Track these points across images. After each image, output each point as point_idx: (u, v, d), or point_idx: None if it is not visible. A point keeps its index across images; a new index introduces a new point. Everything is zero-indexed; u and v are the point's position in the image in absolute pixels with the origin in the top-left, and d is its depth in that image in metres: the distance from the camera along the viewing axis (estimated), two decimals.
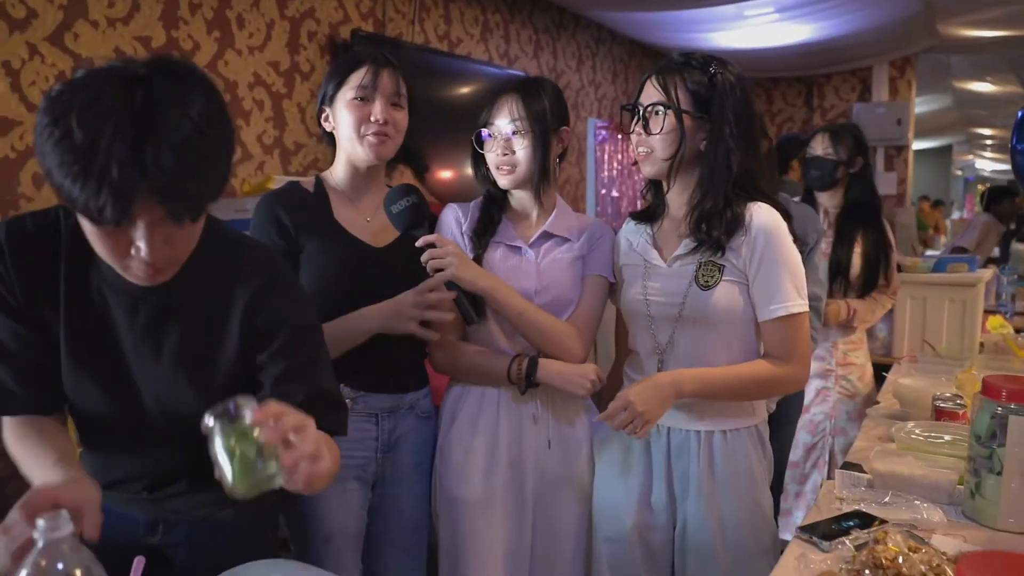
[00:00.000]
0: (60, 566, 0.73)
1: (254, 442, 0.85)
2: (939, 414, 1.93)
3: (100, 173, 0.84)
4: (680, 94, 1.46)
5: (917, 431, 1.78)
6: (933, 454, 1.66)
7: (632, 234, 1.64)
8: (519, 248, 1.63)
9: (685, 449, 1.53)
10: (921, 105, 7.98)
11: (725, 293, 1.48)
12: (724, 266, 1.49)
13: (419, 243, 1.50)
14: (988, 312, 3.41)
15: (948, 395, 1.99)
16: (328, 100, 1.58)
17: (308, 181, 1.63)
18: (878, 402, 2.30)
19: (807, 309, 1.52)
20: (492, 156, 1.58)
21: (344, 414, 1.22)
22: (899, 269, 3.21)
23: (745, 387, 1.51)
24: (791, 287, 1.48)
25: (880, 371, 2.78)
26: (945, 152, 14.04)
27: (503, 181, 1.59)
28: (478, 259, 1.60)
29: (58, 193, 0.88)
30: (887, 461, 1.60)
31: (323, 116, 1.61)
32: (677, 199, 1.56)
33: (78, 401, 1.16)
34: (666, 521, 1.57)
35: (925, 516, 1.41)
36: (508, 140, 1.56)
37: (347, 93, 1.54)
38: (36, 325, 1.09)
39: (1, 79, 2.21)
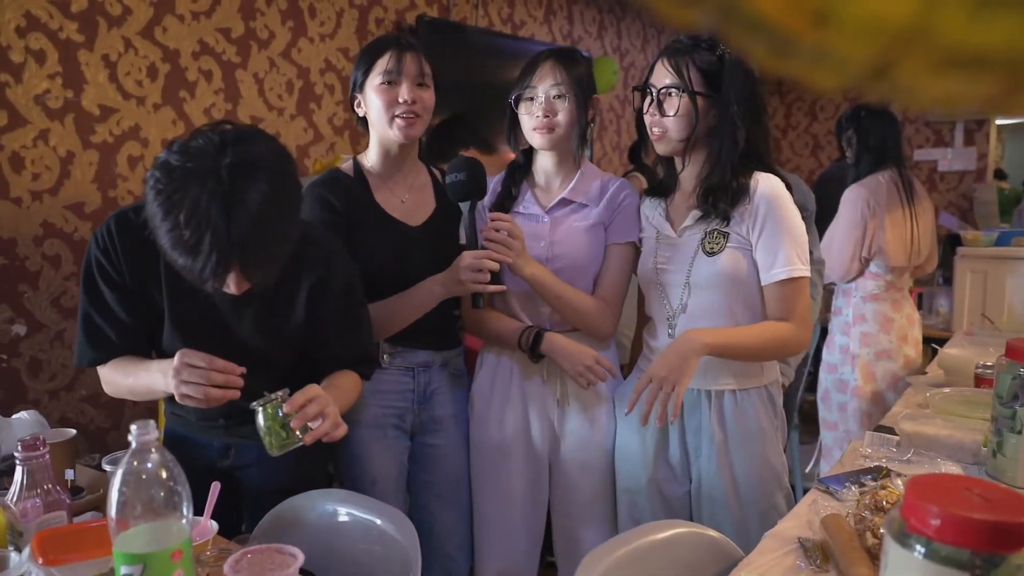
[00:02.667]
0: (149, 465, 0.89)
1: (284, 425, 1.27)
2: (979, 381, 1.95)
3: (203, 262, 1.12)
4: (692, 75, 1.52)
5: (954, 396, 1.81)
6: (964, 416, 1.69)
7: (648, 208, 1.71)
8: (536, 216, 1.71)
9: (697, 408, 1.61)
10: None
11: (730, 259, 1.54)
12: (729, 233, 1.55)
13: (490, 225, 1.59)
14: None
15: (991, 364, 2.00)
16: (358, 87, 1.68)
17: (347, 165, 1.73)
18: (925, 372, 2.32)
19: (808, 274, 1.56)
20: (531, 119, 1.64)
21: (375, 366, 1.60)
22: (961, 243, 3.17)
23: (759, 344, 1.54)
24: (792, 252, 1.53)
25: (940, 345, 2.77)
26: None
27: (541, 141, 1.65)
28: None
29: (167, 256, 1.17)
30: (916, 422, 1.65)
31: (355, 103, 1.71)
32: (688, 174, 1.62)
33: (174, 348, 1.37)
34: (682, 475, 1.66)
35: (944, 471, 1.46)
36: (551, 103, 1.63)
37: (375, 79, 1.64)
38: (140, 298, 1.37)
39: (100, 71, 2.45)
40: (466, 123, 2.48)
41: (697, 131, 1.55)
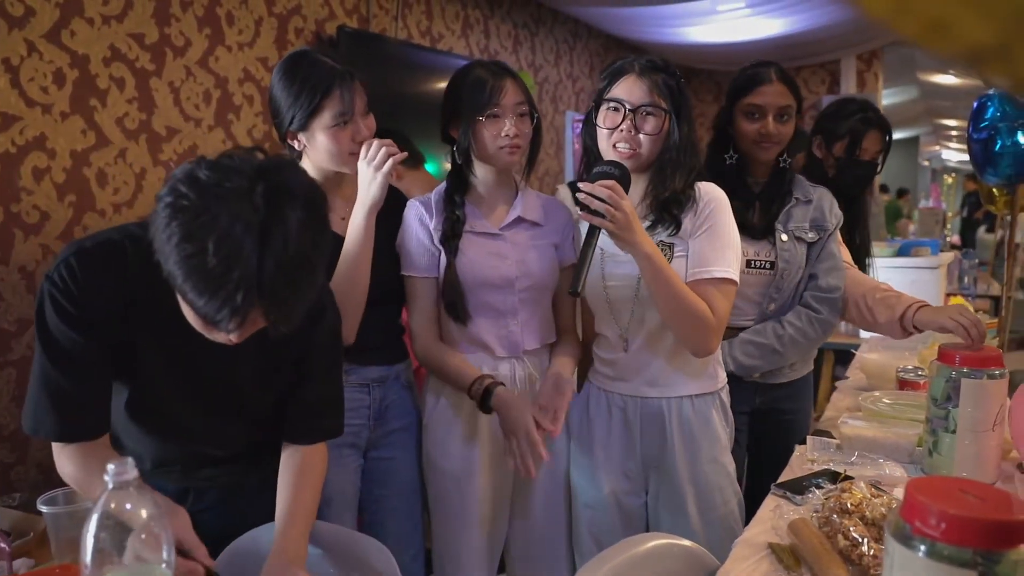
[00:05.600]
0: (128, 506, 0.83)
1: None
2: (902, 384, 2.07)
3: (225, 298, 0.95)
4: (664, 96, 1.56)
5: (882, 400, 1.92)
6: (895, 419, 1.79)
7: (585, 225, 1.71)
8: (494, 234, 1.68)
9: (659, 417, 1.63)
10: (888, 97, 8.17)
11: (676, 269, 1.54)
12: (673, 244, 1.58)
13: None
14: (950, 294, 3.58)
15: (910, 367, 2.13)
16: (300, 125, 1.56)
17: None
18: (847, 377, 2.44)
19: (736, 278, 1.57)
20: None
21: (342, 417, 1.45)
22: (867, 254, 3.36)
23: (683, 297, 1.49)
24: (732, 255, 1.56)
25: (850, 351, 2.93)
26: (912, 143, 14.34)
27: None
28: (452, 258, 1.64)
29: (175, 287, 0.97)
30: (853, 426, 1.73)
31: (289, 138, 1.60)
32: (634, 189, 1.61)
33: (146, 395, 1.26)
34: (639, 486, 1.68)
35: (888, 472, 1.54)
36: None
37: (324, 120, 1.54)
38: (102, 336, 1.16)
39: (1, 76, 2.27)
40: (401, 138, 2.44)
41: (666, 150, 1.58)
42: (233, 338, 1.03)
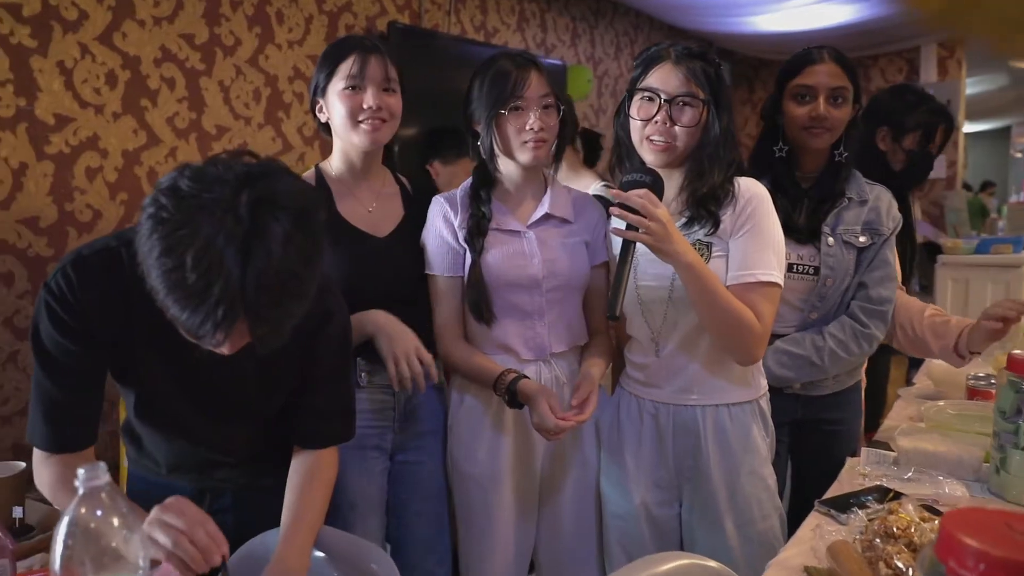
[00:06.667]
0: (99, 512, 0.80)
1: None
2: (972, 393, 1.91)
3: (207, 313, 0.90)
4: (702, 85, 1.46)
5: (948, 410, 1.77)
6: (961, 431, 1.65)
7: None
8: (518, 232, 1.61)
9: (693, 426, 1.54)
10: (973, 86, 7.74)
11: (715, 270, 1.45)
12: (711, 243, 1.48)
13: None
14: None
15: (982, 375, 1.96)
16: (320, 91, 1.58)
17: (308, 174, 1.64)
18: (913, 383, 2.28)
19: (780, 282, 1.47)
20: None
21: (354, 421, 1.40)
22: (940, 251, 3.16)
23: (726, 307, 1.40)
24: (774, 258, 1.46)
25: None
26: (1003, 134, 13.55)
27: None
28: (477, 256, 1.59)
29: (158, 300, 0.94)
30: (912, 438, 1.59)
31: (317, 107, 1.61)
32: (672, 185, 1.53)
33: (152, 400, 1.24)
34: (671, 496, 1.59)
35: (947, 491, 1.40)
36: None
37: (338, 83, 1.54)
38: (99, 347, 1.15)
39: (55, 78, 2.33)
40: (452, 133, 2.42)
41: (703, 142, 1.48)
42: (224, 350, 1.00)
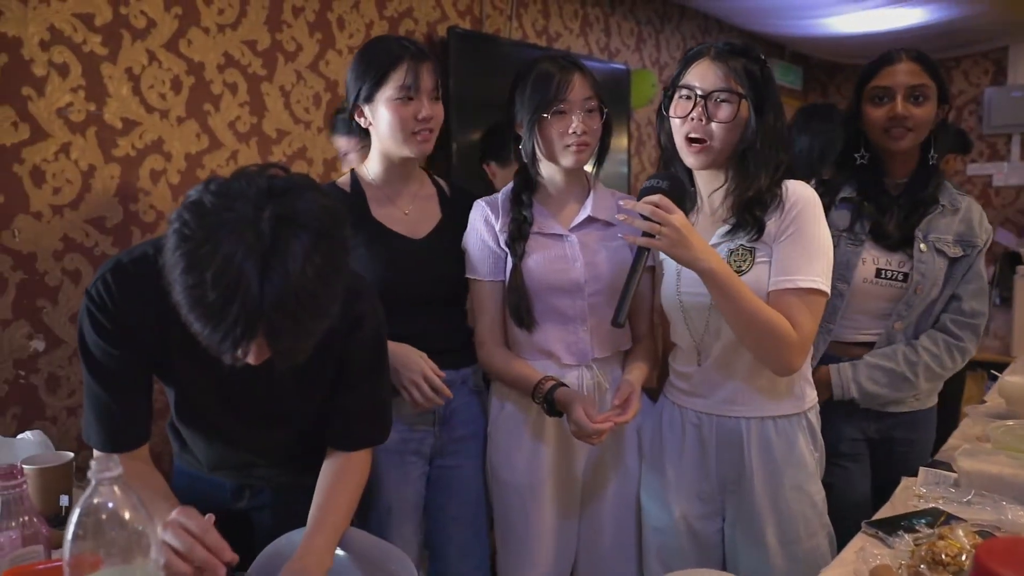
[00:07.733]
0: (111, 504, 0.81)
1: None
2: None
3: (226, 331, 0.93)
4: (742, 81, 1.41)
5: (1017, 430, 1.65)
6: None
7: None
8: (560, 236, 1.59)
9: (736, 438, 1.48)
10: None
11: (757, 277, 1.41)
12: (754, 249, 1.43)
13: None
14: None
15: None
16: (365, 98, 1.56)
17: (344, 180, 1.65)
18: (983, 401, 2.15)
19: (826, 290, 1.40)
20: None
21: (389, 423, 1.41)
22: (1021, 261, 2.98)
23: (755, 315, 1.36)
24: (820, 265, 1.39)
25: (998, 371, 2.58)
26: None
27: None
28: (518, 260, 1.57)
29: (183, 315, 0.96)
30: (976, 459, 1.50)
31: (357, 112, 1.60)
32: (707, 188, 1.50)
33: (189, 403, 1.28)
34: (714, 510, 1.53)
35: (1011, 517, 1.31)
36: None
37: (388, 91, 1.53)
38: (139, 351, 1.19)
39: (124, 84, 2.42)
40: (509, 137, 2.42)
41: (743, 141, 1.43)
42: (249, 361, 1.02)
